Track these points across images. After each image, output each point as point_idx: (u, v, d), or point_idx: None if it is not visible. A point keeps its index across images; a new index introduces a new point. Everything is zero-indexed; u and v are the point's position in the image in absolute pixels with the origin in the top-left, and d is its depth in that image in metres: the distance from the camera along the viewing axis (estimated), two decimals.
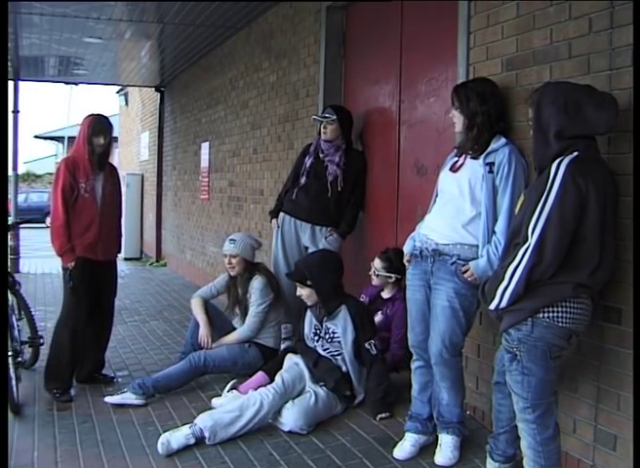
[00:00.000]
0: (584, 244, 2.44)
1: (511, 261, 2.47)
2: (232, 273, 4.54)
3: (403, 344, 3.91)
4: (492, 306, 2.53)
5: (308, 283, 3.85)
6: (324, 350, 3.89)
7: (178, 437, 3.33)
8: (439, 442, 3.22)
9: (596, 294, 2.54)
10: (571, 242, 2.43)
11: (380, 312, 4.35)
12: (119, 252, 4.56)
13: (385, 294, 4.37)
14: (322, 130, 4.67)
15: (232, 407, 3.53)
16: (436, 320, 3.12)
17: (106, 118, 4.32)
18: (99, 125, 4.23)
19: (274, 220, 4.89)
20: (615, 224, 2.56)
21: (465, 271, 3.02)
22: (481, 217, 3.04)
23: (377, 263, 4.28)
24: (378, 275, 4.27)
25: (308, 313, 4.01)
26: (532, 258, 2.42)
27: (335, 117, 4.63)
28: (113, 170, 4.45)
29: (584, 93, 2.54)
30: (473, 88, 3.17)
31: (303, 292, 3.89)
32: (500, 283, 2.48)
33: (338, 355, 3.85)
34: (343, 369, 3.83)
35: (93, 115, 4.29)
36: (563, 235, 2.41)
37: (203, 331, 4.42)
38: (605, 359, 2.75)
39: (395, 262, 4.13)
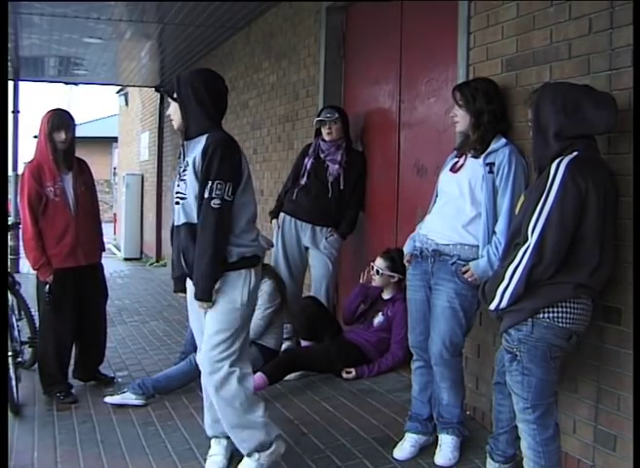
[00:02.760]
0: (584, 244, 2.44)
1: (511, 261, 2.46)
2: None
3: (404, 345, 3.91)
4: (492, 306, 2.53)
5: (175, 95, 2.95)
6: (176, 193, 2.99)
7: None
8: (439, 442, 3.21)
9: (596, 295, 2.54)
10: (571, 242, 2.43)
11: (380, 313, 4.36)
12: (103, 250, 4.39)
13: (386, 295, 4.37)
14: (326, 131, 4.67)
15: None
16: (436, 320, 3.12)
17: (66, 112, 4.08)
18: (57, 119, 3.98)
19: (274, 221, 4.89)
20: (615, 224, 2.56)
21: (466, 271, 3.02)
22: (481, 218, 3.04)
23: (379, 262, 4.27)
24: (381, 274, 4.27)
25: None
26: (532, 258, 2.42)
27: (337, 116, 4.65)
28: (83, 165, 4.21)
29: (583, 92, 2.54)
30: (478, 87, 3.16)
31: (171, 108, 3.00)
32: (500, 283, 2.48)
33: (182, 198, 2.95)
34: (181, 219, 2.97)
35: (51, 110, 4.06)
36: (563, 235, 2.41)
37: None
38: (605, 359, 2.74)
39: (398, 262, 4.13)
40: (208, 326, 2.92)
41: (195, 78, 2.94)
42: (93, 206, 4.26)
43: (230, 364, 2.88)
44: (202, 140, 2.87)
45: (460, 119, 3.16)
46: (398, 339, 4.20)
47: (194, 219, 2.89)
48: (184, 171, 2.91)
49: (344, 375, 4.27)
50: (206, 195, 2.80)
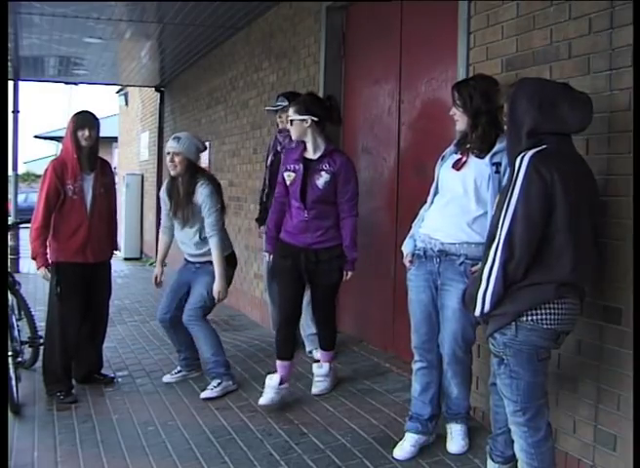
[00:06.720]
0: (557, 241, 2.38)
1: (485, 263, 2.42)
2: (173, 173, 4.29)
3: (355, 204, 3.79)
4: (477, 312, 2.47)
5: None
6: None
7: None
8: (449, 432, 3.22)
9: (582, 291, 2.50)
10: (542, 238, 2.38)
11: (323, 172, 3.80)
12: (115, 249, 4.52)
13: (313, 154, 3.84)
14: (279, 120, 4.61)
15: None
16: (448, 321, 3.08)
17: (91, 113, 4.27)
18: (82, 118, 4.19)
19: (262, 227, 4.80)
20: (613, 224, 2.55)
21: (475, 271, 2.98)
22: (487, 217, 3.00)
23: (289, 112, 3.87)
24: (292, 122, 3.81)
25: None
26: (503, 255, 2.36)
27: (287, 104, 4.43)
28: (105, 167, 4.35)
29: (560, 91, 2.50)
30: (476, 86, 3.07)
31: None
32: (479, 287, 2.43)
33: None
34: None
35: (78, 112, 4.27)
36: (530, 227, 2.35)
37: (157, 270, 4.69)
38: (605, 359, 2.74)
39: (309, 103, 3.79)
40: None
41: None
42: (109, 208, 4.39)
43: None
44: None
45: (459, 119, 3.10)
46: (348, 198, 3.83)
47: None
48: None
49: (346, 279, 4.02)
50: None
